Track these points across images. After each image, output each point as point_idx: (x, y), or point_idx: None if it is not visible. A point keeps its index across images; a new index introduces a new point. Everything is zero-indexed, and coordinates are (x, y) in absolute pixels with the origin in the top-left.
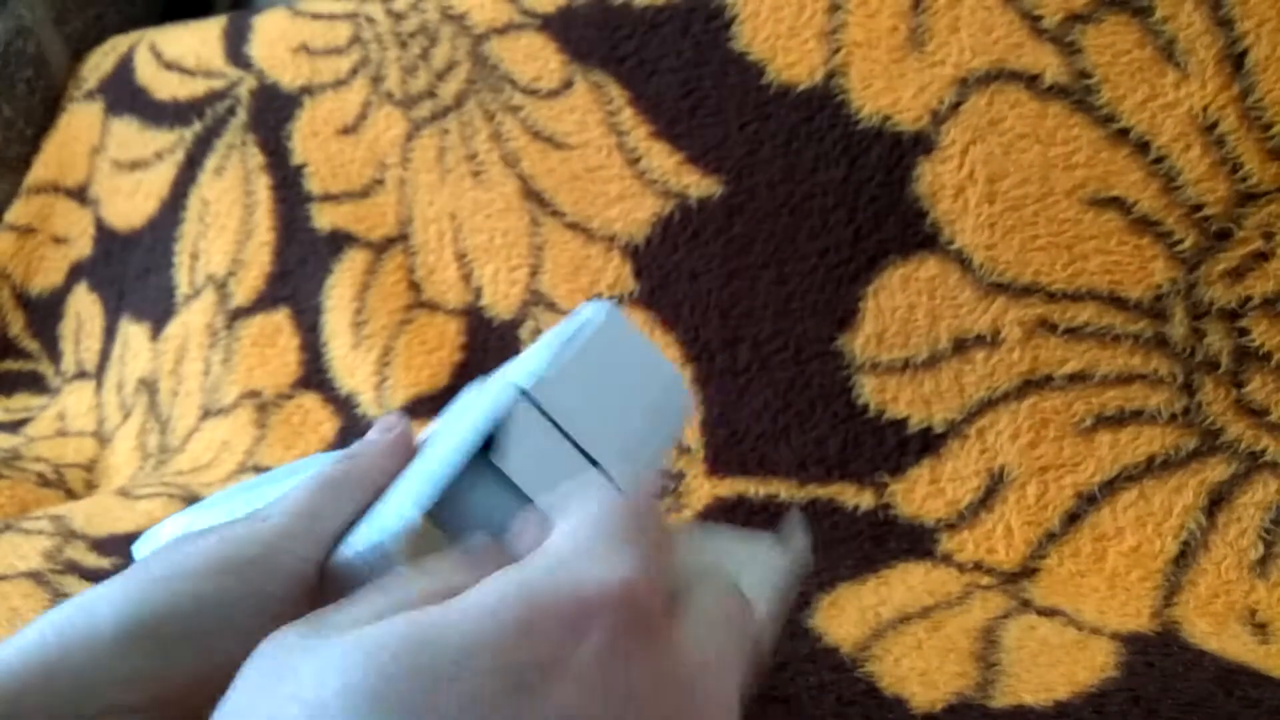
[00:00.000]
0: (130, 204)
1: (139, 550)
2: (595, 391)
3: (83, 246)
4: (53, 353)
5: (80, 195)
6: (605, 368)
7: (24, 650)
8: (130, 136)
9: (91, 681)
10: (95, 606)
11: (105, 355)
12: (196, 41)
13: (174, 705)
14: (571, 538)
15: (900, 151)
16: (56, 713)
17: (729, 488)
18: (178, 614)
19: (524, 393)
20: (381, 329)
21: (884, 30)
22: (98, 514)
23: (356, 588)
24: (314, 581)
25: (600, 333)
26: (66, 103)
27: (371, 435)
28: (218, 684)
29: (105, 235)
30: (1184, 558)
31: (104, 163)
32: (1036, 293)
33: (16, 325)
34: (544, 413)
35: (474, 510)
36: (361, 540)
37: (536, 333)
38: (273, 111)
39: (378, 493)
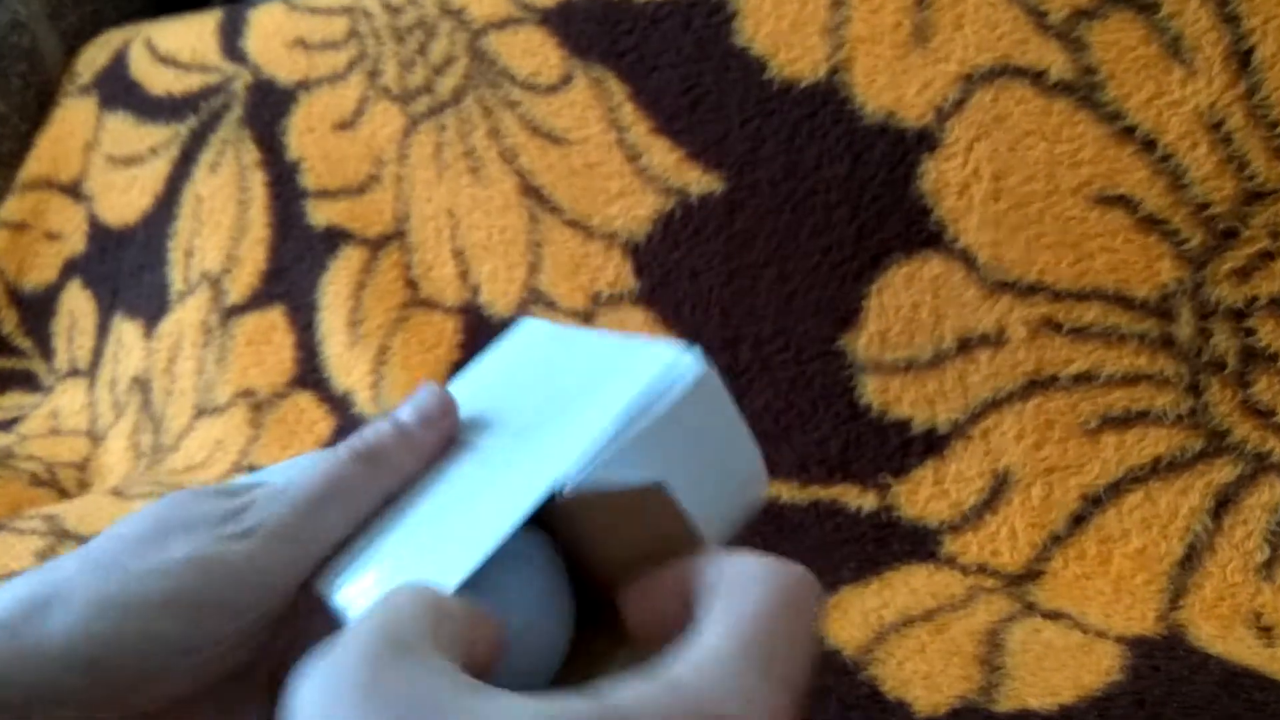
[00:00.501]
0: (124, 200)
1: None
2: (660, 474)
3: (76, 243)
4: (45, 350)
5: (74, 191)
6: (676, 450)
7: None
8: (124, 132)
9: (34, 696)
10: (48, 617)
11: (98, 353)
12: (192, 36)
13: None
14: (718, 649)
15: (904, 148)
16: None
17: None
18: (128, 648)
19: (563, 490)
20: (378, 327)
21: (888, 26)
22: (91, 514)
23: (337, 626)
24: (290, 601)
25: (681, 405)
26: (60, 97)
27: (406, 416)
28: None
29: (99, 231)
30: (1189, 560)
31: (98, 158)
32: (1042, 292)
33: (9, 323)
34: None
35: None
36: (347, 595)
37: None
38: (268, 107)
39: (389, 498)
